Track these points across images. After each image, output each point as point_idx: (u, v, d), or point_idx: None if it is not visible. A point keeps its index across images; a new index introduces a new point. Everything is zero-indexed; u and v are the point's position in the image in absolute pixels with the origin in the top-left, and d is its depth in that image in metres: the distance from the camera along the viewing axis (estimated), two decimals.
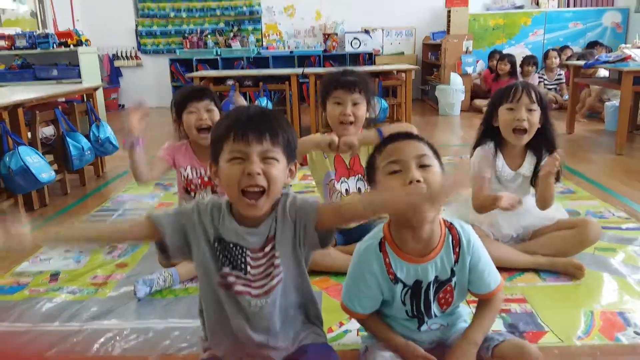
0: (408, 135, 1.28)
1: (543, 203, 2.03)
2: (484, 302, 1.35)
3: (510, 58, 6.33)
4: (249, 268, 1.21)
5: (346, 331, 1.66)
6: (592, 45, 6.67)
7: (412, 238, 1.26)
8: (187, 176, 2.18)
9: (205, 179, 2.17)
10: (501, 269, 1.93)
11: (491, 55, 6.81)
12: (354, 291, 1.31)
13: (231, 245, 1.22)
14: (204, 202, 1.26)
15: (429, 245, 1.26)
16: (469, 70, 6.49)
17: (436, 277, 1.27)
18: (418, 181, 1.18)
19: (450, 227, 1.30)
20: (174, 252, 1.22)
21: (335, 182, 2.22)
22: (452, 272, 1.28)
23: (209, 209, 1.23)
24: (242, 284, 1.22)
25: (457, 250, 1.28)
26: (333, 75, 2.20)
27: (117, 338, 1.67)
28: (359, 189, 2.24)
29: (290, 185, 3.36)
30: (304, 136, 2.12)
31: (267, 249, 1.22)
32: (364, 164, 2.21)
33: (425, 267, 1.26)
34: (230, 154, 1.15)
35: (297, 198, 1.24)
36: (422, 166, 1.21)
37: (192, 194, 2.19)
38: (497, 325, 1.66)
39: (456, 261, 1.28)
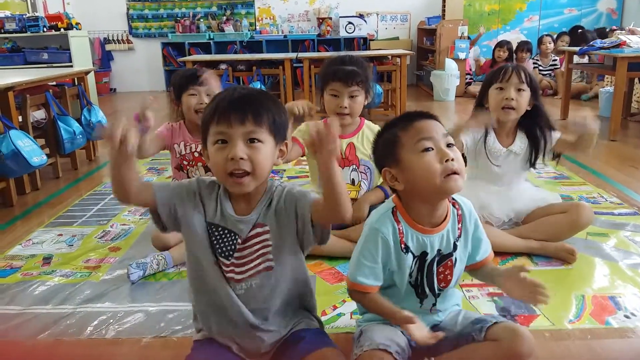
0: (430, 115, 1.29)
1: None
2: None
3: (509, 46, 6.31)
4: (235, 254, 1.21)
5: (340, 314, 1.66)
6: (577, 30, 6.64)
7: (427, 212, 1.28)
8: (181, 152, 2.22)
9: (196, 154, 2.21)
10: (494, 253, 1.95)
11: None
12: (366, 263, 1.28)
13: (225, 231, 1.21)
14: (204, 181, 1.25)
15: (440, 218, 1.29)
16: (462, 55, 6.46)
17: (439, 250, 1.29)
18: (452, 159, 1.20)
19: (453, 202, 1.33)
20: (168, 223, 1.21)
21: None
22: (455, 247, 1.31)
23: (215, 190, 1.23)
24: (228, 268, 1.22)
25: (460, 225, 1.31)
26: (332, 65, 2.18)
27: (111, 321, 1.67)
28: (353, 180, 2.23)
29: (284, 170, 3.36)
30: (296, 121, 2.08)
31: (254, 233, 1.21)
32: (359, 154, 2.19)
33: (433, 238, 1.29)
34: (214, 137, 1.15)
35: (295, 189, 1.23)
36: (448, 145, 1.23)
37: (185, 171, 2.23)
38: (489, 309, 1.67)
39: (459, 235, 1.31)
